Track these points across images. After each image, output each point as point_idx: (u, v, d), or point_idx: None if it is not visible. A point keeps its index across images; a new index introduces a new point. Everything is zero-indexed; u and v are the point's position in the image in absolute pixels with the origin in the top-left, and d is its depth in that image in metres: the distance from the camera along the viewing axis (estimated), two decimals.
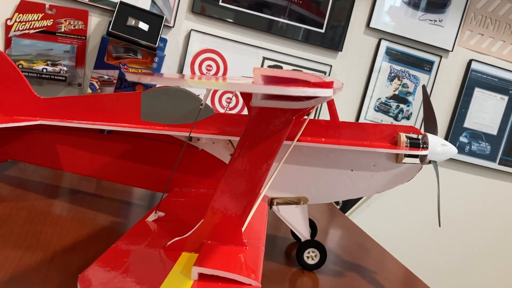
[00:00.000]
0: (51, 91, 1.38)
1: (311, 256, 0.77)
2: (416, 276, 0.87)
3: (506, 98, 1.69)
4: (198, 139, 0.81)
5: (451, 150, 0.79)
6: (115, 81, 1.39)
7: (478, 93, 1.67)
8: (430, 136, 0.78)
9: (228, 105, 1.55)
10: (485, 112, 1.68)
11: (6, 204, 0.75)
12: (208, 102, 1.56)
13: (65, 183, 0.93)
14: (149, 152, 0.82)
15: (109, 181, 0.84)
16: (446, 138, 1.65)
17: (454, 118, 1.66)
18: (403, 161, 0.79)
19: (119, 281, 0.45)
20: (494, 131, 1.70)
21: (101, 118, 0.80)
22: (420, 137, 0.78)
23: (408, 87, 1.63)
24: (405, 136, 0.78)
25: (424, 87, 0.88)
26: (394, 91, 1.63)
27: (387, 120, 1.64)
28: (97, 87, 1.39)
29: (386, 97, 1.63)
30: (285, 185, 0.82)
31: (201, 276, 0.46)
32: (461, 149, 1.68)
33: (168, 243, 0.53)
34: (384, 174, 0.80)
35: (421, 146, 0.77)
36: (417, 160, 0.79)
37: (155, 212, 0.64)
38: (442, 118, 1.66)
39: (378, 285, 0.78)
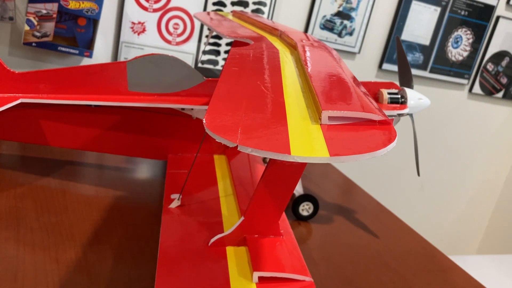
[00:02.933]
0: None
1: (305, 209, 0.85)
2: (400, 219, 0.98)
3: (438, 9, 1.78)
4: (192, 109, 0.81)
5: (426, 103, 0.87)
6: (54, 16, 1.28)
7: (415, 5, 1.74)
8: (407, 91, 0.85)
9: (176, 31, 1.49)
10: (420, 24, 1.77)
11: (6, 193, 0.73)
12: (156, 30, 1.50)
13: (49, 155, 0.90)
14: (139, 122, 0.82)
15: (100, 152, 0.84)
16: (385, 52, 1.74)
17: (393, 31, 1.73)
18: None
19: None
20: (427, 42, 1.81)
21: (86, 90, 0.77)
22: (399, 93, 0.85)
23: (351, 3, 1.66)
24: (387, 93, 0.84)
25: (398, 39, 0.93)
26: (339, 7, 1.65)
27: (331, 37, 1.67)
28: (36, 23, 1.28)
29: (331, 14, 1.65)
30: None
31: (261, 278, 0.52)
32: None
33: (212, 241, 0.57)
34: None
35: (400, 101, 0.84)
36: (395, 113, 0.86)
37: (178, 199, 0.67)
38: (383, 32, 1.73)
39: (364, 227, 0.89)
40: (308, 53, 0.65)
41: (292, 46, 0.72)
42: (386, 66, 1.78)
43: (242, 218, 0.57)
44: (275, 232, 0.59)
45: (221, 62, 1.55)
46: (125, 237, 0.68)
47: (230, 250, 0.57)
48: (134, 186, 0.85)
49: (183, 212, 0.66)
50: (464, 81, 1.93)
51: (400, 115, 0.86)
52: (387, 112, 0.82)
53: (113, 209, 0.75)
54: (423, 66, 1.83)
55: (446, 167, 2.10)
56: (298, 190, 0.86)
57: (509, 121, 2.14)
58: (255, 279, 0.51)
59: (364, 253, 0.79)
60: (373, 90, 0.85)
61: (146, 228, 0.71)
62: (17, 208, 0.69)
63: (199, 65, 1.58)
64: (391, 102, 0.84)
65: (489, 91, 2.00)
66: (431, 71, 1.85)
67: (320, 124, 0.42)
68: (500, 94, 2.03)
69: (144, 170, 0.93)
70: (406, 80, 0.89)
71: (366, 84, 0.84)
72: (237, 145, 0.36)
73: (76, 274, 0.58)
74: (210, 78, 0.80)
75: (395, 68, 1.78)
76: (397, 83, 0.91)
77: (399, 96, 0.84)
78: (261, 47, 0.71)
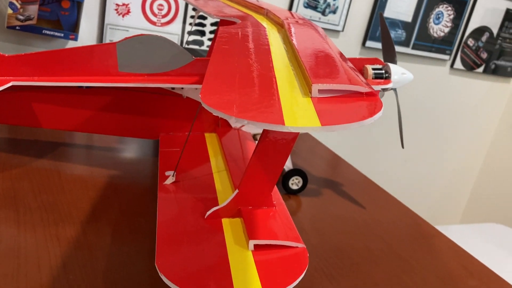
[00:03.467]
0: None
1: (295, 183, 0.88)
2: (382, 189, 1.02)
3: None
4: (182, 88, 0.82)
5: (409, 77, 0.89)
6: None
7: None
8: (391, 66, 0.87)
9: (161, 12, 1.49)
10: (402, 0, 1.79)
11: (1, 175, 0.74)
12: (141, 12, 1.50)
13: (41, 137, 0.91)
14: (130, 102, 0.83)
15: (93, 133, 0.85)
16: (368, 30, 1.76)
17: (376, 9, 1.75)
18: None
19: (192, 260, 0.52)
20: (409, 19, 1.83)
21: (77, 72, 0.78)
22: (383, 68, 0.87)
23: None
24: (371, 68, 0.86)
25: (381, 15, 0.95)
26: None
27: (315, 16, 1.69)
28: (19, 6, 1.27)
29: None
30: None
31: (256, 246, 0.54)
32: (380, 38, 1.80)
33: (208, 214, 0.59)
34: None
35: (384, 76, 0.87)
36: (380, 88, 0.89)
37: (173, 176, 0.69)
38: (365, 10, 1.75)
39: (351, 199, 0.92)
40: (294, 30, 0.67)
41: (279, 24, 0.74)
42: (369, 43, 1.80)
43: (237, 191, 0.59)
44: (268, 203, 0.62)
45: (207, 43, 1.56)
46: (122, 214, 0.70)
47: (225, 221, 0.60)
48: (127, 165, 0.86)
49: (178, 188, 0.68)
50: (446, 57, 1.97)
51: (384, 89, 0.88)
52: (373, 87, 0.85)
53: (108, 188, 0.76)
54: (405, 43, 1.86)
55: (429, 141, 2.15)
56: (288, 165, 0.89)
57: (489, 95, 2.19)
58: (251, 247, 0.54)
59: (352, 223, 0.82)
60: (359, 66, 0.87)
61: (142, 205, 0.73)
62: (14, 189, 0.71)
63: (185, 45, 1.58)
64: (376, 78, 0.86)
65: (470, 66, 2.04)
66: (413, 48, 1.88)
67: (311, 97, 0.44)
68: (481, 69, 2.07)
69: (135, 149, 0.95)
70: (390, 55, 0.91)
71: (351, 60, 0.86)
72: (233, 118, 0.38)
73: (76, 251, 0.60)
74: (199, 58, 0.82)
75: (378, 45, 1.81)
76: (381, 59, 0.93)
77: (383, 71, 0.87)
78: (249, 25, 0.72)
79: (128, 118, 0.84)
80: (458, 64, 2.01)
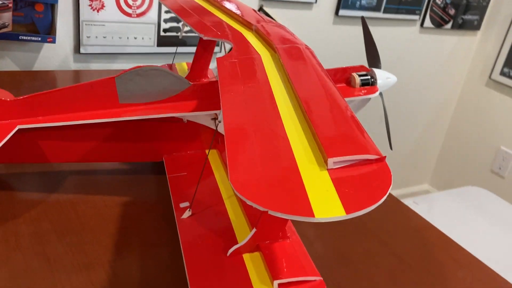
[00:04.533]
0: None
1: None
2: None
3: None
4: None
5: (393, 80, 0.95)
6: (10, 5, 1.25)
7: None
8: (376, 72, 0.92)
9: (135, 3, 1.47)
10: None
11: (23, 218, 0.78)
12: (115, 5, 1.48)
13: (46, 168, 0.93)
14: (133, 131, 0.87)
15: (99, 162, 0.88)
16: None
17: None
18: None
19: None
20: None
21: (80, 108, 0.81)
22: (368, 74, 0.92)
23: None
24: (358, 76, 0.91)
25: (363, 20, 0.98)
26: None
27: None
28: None
29: None
30: None
31: (280, 285, 0.61)
32: (352, 6, 1.82)
33: (230, 252, 0.66)
34: None
35: (370, 82, 0.92)
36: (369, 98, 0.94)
37: (189, 211, 0.74)
38: None
39: None
40: (290, 65, 0.70)
41: (270, 47, 0.77)
42: (342, 12, 1.82)
43: (254, 230, 0.65)
44: (284, 236, 0.68)
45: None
46: (144, 245, 0.76)
47: (246, 257, 0.66)
48: (134, 188, 0.90)
49: (195, 222, 0.73)
50: (416, 17, 2.01)
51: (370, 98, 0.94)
52: (362, 97, 0.90)
53: (125, 218, 0.81)
54: (377, 8, 1.89)
55: (401, 102, 2.23)
56: None
57: (457, 49, 2.26)
58: (275, 286, 0.61)
59: (349, 223, 0.90)
60: (346, 75, 0.92)
61: (160, 234, 0.79)
62: (38, 234, 0.75)
63: (162, 33, 1.58)
64: (363, 85, 0.91)
65: (438, 23, 2.09)
66: (384, 12, 1.91)
67: (327, 170, 0.49)
68: (449, 25, 2.13)
69: (137, 170, 0.98)
70: (374, 61, 0.96)
71: (340, 71, 0.91)
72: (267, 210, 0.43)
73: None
74: (195, 83, 0.84)
75: (351, 13, 1.83)
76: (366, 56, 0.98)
77: (369, 77, 0.92)
78: (244, 54, 0.75)
79: (132, 145, 0.88)
80: (428, 23, 2.06)
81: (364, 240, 0.86)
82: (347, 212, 0.44)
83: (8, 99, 0.78)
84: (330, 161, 0.49)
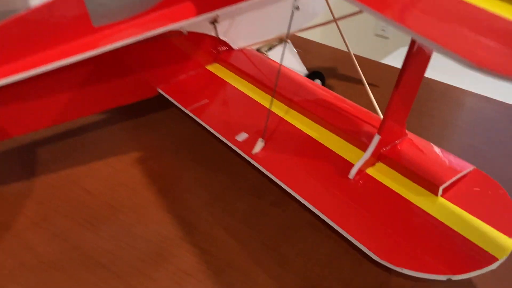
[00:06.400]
0: None
1: None
2: None
3: None
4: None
5: None
6: None
7: None
8: None
9: None
10: None
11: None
12: None
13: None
14: (116, 61, 0.63)
15: (80, 117, 0.64)
16: None
17: None
18: None
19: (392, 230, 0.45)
20: None
21: (38, 46, 0.55)
22: None
23: None
24: None
25: None
26: None
27: None
28: None
29: None
30: (260, 32, 0.76)
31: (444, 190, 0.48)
32: None
33: (353, 173, 0.50)
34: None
35: None
36: None
37: (262, 141, 0.55)
38: None
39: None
40: None
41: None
42: None
43: (378, 136, 0.50)
44: (403, 132, 0.54)
45: None
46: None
47: (373, 172, 0.51)
48: (143, 139, 0.69)
49: (275, 152, 0.55)
50: None
51: None
52: None
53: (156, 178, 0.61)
54: None
55: None
56: (302, 70, 0.79)
57: None
58: (440, 192, 0.48)
59: None
60: None
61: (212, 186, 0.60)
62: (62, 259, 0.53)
63: None
64: None
65: None
66: None
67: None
68: None
69: (130, 115, 0.75)
70: None
71: None
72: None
73: None
74: None
75: None
76: None
77: None
78: None
79: (118, 82, 0.65)
80: None
81: None
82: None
83: None
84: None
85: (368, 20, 2.12)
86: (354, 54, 0.66)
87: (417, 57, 0.46)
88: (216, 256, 0.51)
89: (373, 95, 0.61)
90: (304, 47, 0.88)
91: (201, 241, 0.53)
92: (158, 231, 0.54)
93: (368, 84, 0.63)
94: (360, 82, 0.65)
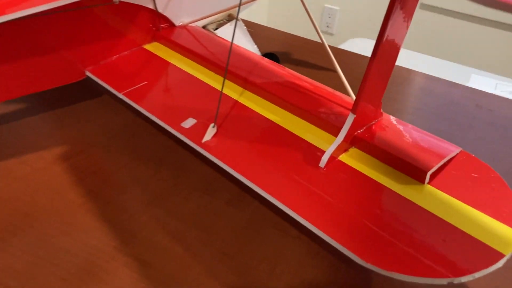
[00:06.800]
0: None
1: None
2: None
3: None
4: None
5: None
6: None
7: None
8: None
9: None
10: None
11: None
12: None
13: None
14: (37, 36, 0.52)
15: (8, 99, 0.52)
16: None
17: None
18: None
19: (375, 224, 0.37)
20: None
21: None
22: None
23: None
24: None
25: None
26: None
27: None
28: None
29: None
30: (205, 5, 0.67)
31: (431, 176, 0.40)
32: None
33: (324, 162, 0.42)
34: None
35: None
36: None
37: (213, 126, 0.46)
38: None
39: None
40: None
41: None
42: None
43: (353, 116, 0.42)
44: (379, 113, 0.46)
45: None
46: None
47: (347, 159, 0.43)
48: (71, 129, 0.57)
49: (230, 140, 0.46)
50: None
51: None
52: None
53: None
54: None
55: None
56: (253, 49, 0.70)
57: None
58: (427, 179, 0.40)
59: None
60: None
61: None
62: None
63: None
64: None
65: None
66: None
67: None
68: None
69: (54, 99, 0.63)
70: None
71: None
72: None
73: None
74: None
75: None
76: None
77: None
78: None
79: (33, 63, 0.53)
80: None
81: None
82: None
83: None
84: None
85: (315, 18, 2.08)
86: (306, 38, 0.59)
87: (396, 22, 0.39)
88: (159, 269, 0.41)
89: (334, 81, 0.54)
90: (251, 31, 0.80)
91: (141, 251, 0.42)
92: (86, 242, 0.43)
93: (327, 69, 0.56)
94: (318, 67, 0.57)
